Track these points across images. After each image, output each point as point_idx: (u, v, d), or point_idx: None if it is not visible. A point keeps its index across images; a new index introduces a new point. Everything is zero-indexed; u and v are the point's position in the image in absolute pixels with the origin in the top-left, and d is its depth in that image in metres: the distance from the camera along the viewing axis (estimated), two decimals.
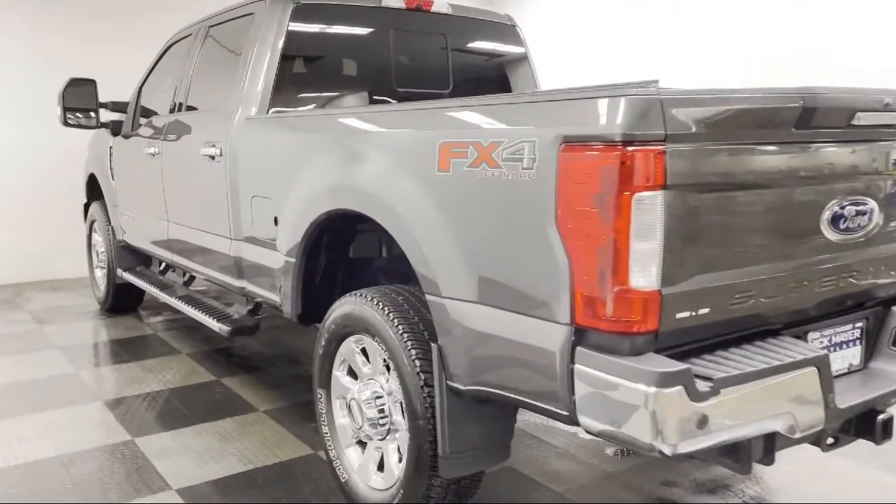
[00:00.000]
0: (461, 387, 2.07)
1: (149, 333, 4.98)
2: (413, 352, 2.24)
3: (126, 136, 4.76)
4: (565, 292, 1.73)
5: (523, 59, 4.05)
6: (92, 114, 4.69)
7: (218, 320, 3.54)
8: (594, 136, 1.65)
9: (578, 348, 1.73)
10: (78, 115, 4.66)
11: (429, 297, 2.14)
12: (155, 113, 4.55)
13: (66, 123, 4.59)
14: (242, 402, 3.70)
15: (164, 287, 4.43)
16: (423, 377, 2.22)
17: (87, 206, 5.86)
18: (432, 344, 2.14)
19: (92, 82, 4.65)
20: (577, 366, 1.73)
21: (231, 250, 3.35)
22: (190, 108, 3.96)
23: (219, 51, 3.84)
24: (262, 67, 3.27)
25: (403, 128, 2.31)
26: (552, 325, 1.77)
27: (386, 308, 2.35)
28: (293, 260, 2.83)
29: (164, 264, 4.84)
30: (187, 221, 3.81)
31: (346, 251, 2.92)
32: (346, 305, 2.54)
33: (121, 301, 5.43)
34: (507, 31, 4.01)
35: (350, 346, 2.58)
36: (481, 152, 1.92)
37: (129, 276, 4.93)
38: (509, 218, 1.87)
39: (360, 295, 2.48)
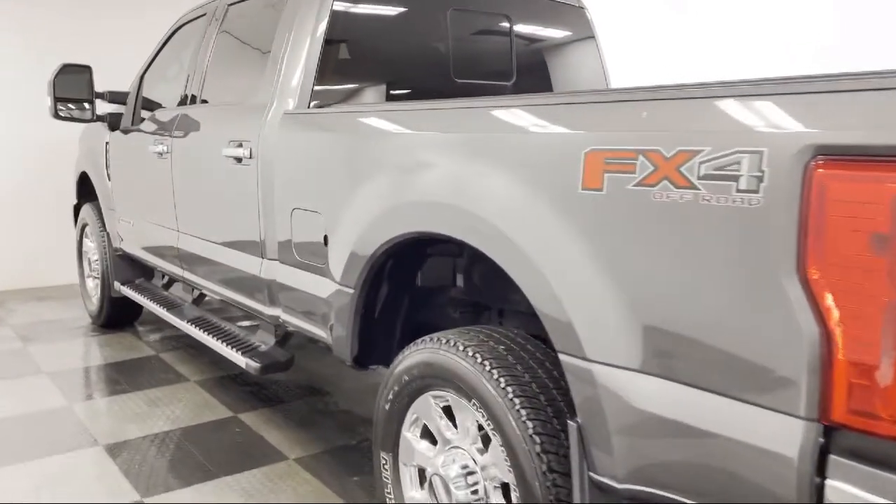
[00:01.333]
0: (615, 484, 1.53)
1: (149, 355, 4.40)
2: (530, 424, 1.70)
3: (126, 132, 4.17)
4: (811, 373, 1.19)
5: (592, 46, 3.50)
6: (87, 105, 4.10)
7: (243, 353, 2.97)
8: (879, 147, 1.11)
9: (832, 456, 1.19)
10: (71, 106, 4.07)
11: (565, 358, 1.60)
12: (160, 105, 3.96)
13: (56, 116, 3.99)
14: (268, 448, 3.14)
15: (170, 306, 3.85)
16: (546, 460, 1.68)
17: (77, 208, 5.26)
18: (570, 422, 1.60)
19: (87, 69, 4.05)
20: (829, 482, 1.19)
21: (262, 271, 2.78)
22: (206, 101, 3.38)
23: (243, 33, 3.27)
24: (302, 54, 2.71)
25: (528, 129, 1.73)
26: (785, 419, 1.23)
27: (486, 361, 1.80)
28: (351, 290, 2.27)
29: (167, 277, 4.25)
30: (204, 233, 3.24)
31: (411, 278, 2.36)
32: (423, 352, 1.99)
33: (116, 315, 4.84)
34: (574, 14, 3.46)
35: (428, 403, 2.04)
36: (661, 165, 1.37)
37: (128, 291, 4.34)
38: (710, 259, 1.32)
39: (445, 341, 1.93)
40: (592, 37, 3.49)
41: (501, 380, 1.77)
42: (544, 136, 1.65)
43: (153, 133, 3.72)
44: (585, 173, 1.51)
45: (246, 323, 3.89)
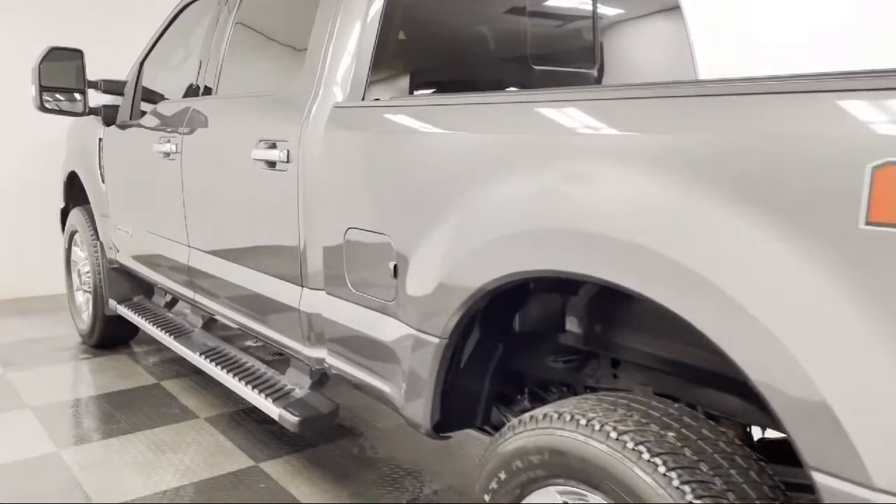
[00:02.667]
0: None
1: (149, 384, 3.83)
2: None
3: (123, 127, 3.60)
4: None
5: (680, 30, 2.97)
6: (77, 96, 3.52)
7: (275, 401, 2.42)
8: None
9: None
10: (59, 96, 3.50)
11: (824, 480, 1.06)
12: (164, 97, 3.41)
13: (42, 108, 3.41)
14: None
15: (178, 333, 3.29)
16: None
17: (65, 213, 4.68)
18: None
19: (78, 53, 3.48)
20: None
21: (302, 303, 2.24)
22: (224, 92, 2.82)
23: (271, 9, 2.71)
24: (353, 34, 2.17)
25: (767, 131, 1.15)
26: None
27: (655, 458, 1.27)
28: (435, 338, 1.73)
29: (170, 294, 3.69)
30: (224, 252, 2.68)
31: (508, 321, 1.83)
32: (548, 432, 1.46)
33: (110, 335, 4.27)
34: None
35: (552, 499, 1.51)
36: None
37: (125, 312, 3.77)
38: None
39: (584, 421, 1.39)
40: (682, 18, 2.96)
41: (685, 488, 1.24)
42: (799, 143, 1.10)
43: (157, 129, 3.16)
44: (874, 199, 0.98)
45: (264, 353, 3.35)
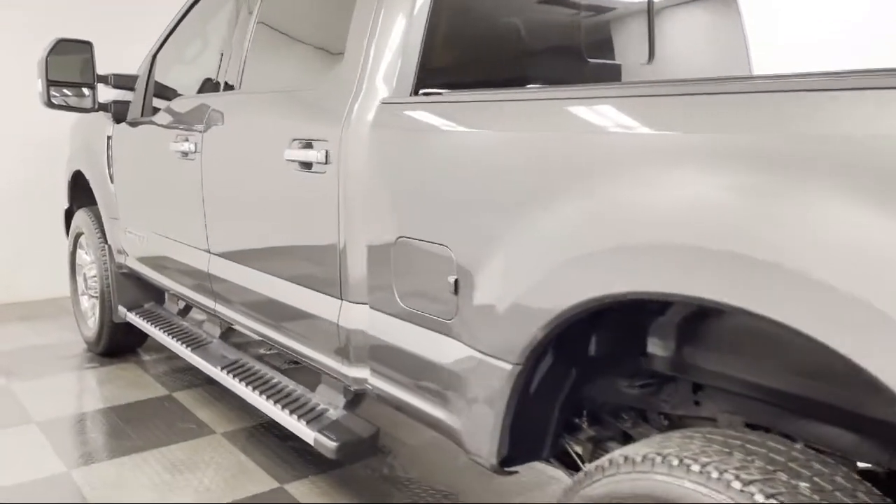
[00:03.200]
0: None
1: (161, 395, 3.63)
2: None
3: (134, 124, 3.40)
4: None
5: (735, 20, 2.78)
6: (86, 91, 3.32)
7: (309, 423, 2.22)
8: None
9: None
10: (66, 91, 3.29)
11: None
12: (177, 93, 3.21)
13: (49, 103, 3.21)
14: None
15: (195, 344, 3.09)
16: None
17: (69, 213, 4.47)
18: None
19: (87, 46, 3.27)
20: None
21: (342, 318, 2.04)
22: (250, 87, 2.62)
23: None
24: (400, 23, 1.97)
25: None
26: None
27: None
28: (507, 365, 1.54)
29: (183, 301, 3.49)
30: (250, 259, 2.48)
31: (583, 344, 1.63)
32: (645, 478, 1.26)
33: (118, 342, 4.06)
34: None
35: None
36: None
37: (136, 320, 3.56)
38: None
39: (698, 468, 1.19)
40: (734, 3, 2.77)
41: None
42: None
43: (173, 127, 2.96)
44: None
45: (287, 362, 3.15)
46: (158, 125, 3.12)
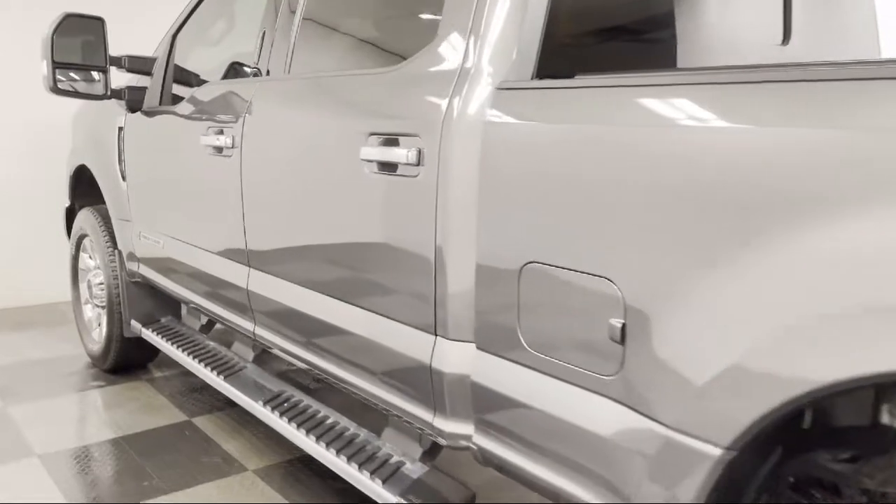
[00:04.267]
0: None
1: (179, 421, 3.20)
2: None
3: (151, 113, 2.97)
4: None
5: None
6: (97, 75, 2.88)
7: (385, 481, 1.80)
8: None
9: None
10: (74, 75, 2.85)
11: None
12: (199, 79, 2.79)
13: (55, 89, 2.77)
14: None
15: (227, 370, 2.66)
16: None
17: (70, 213, 4.03)
18: None
19: (98, 22, 2.83)
20: None
21: (437, 359, 1.62)
22: (305, 70, 2.20)
23: None
24: None
25: None
26: None
27: None
28: (714, 449, 1.12)
29: (206, 316, 3.05)
30: (306, 278, 2.06)
31: (796, 417, 1.22)
32: None
33: (128, 358, 3.63)
34: None
35: None
36: None
37: (154, 339, 3.13)
38: None
39: None
40: None
41: None
42: None
43: (203, 118, 2.53)
44: None
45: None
46: (183, 116, 2.69)
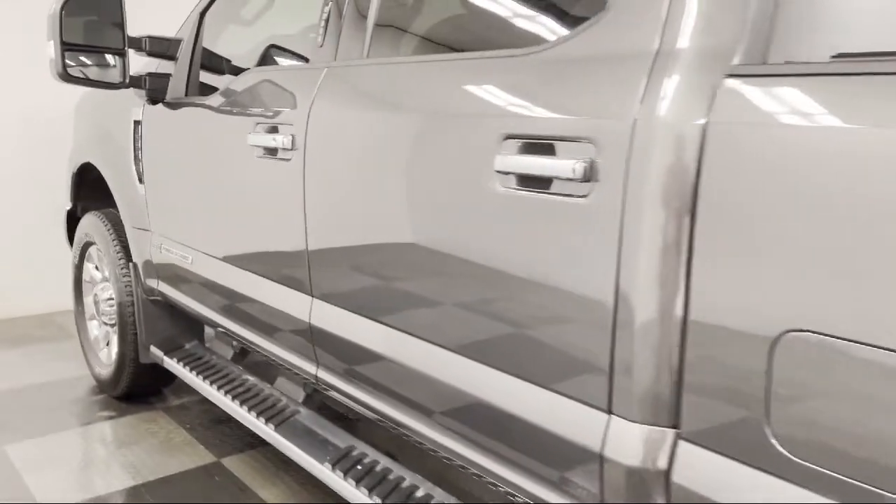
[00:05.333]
0: None
1: (206, 463, 2.76)
2: None
3: (176, 105, 2.51)
4: None
5: None
6: (113, 59, 2.42)
7: None
8: None
9: None
10: (86, 59, 2.39)
11: None
12: (231, 64, 2.35)
13: (64, 76, 2.31)
14: None
15: (276, 416, 2.21)
16: None
17: (72, 215, 3.57)
18: None
19: None
20: None
21: (610, 446, 1.20)
22: (383, 52, 1.75)
23: None
24: None
25: None
26: None
27: None
28: None
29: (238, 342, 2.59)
30: (397, 317, 1.61)
31: None
32: None
33: (142, 384, 3.18)
34: None
35: None
36: None
37: (182, 371, 2.68)
38: None
39: None
40: None
41: None
42: None
43: (248, 113, 2.07)
44: None
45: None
46: (220, 109, 2.23)
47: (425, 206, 1.49)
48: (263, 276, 2.07)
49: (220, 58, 2.64)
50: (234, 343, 2.70)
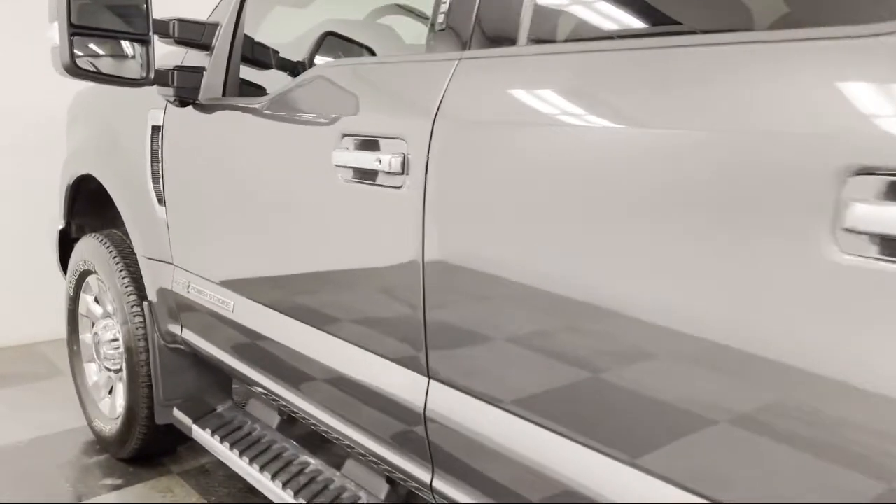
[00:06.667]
0: None
1: None
2: None
3: (210, 108, 1.97)
4: None
5: None
6: (132, 48, 1.87)
7: None
8: None
9: None
10: (98, 49, 1.84)
11: None
12: (281, 58, 1.83)
13: (73, 68, 1.75)
14: None
15: None
16: None
17: (65, 235, 3.00)
18: None
19: None
20: None
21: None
22: (551, 32, 1.23)
23: None
24: None
25: None
26: None
27: None
28: None
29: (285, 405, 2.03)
30: (570, 419, 1.09)
31: None
32: None
33: (154, 445, 2.62)
34: None
35: None
36: None
37: (221, 450, 2.10)
38: None
39: None
40: None
41: None
42: None
43: (327, 122, 1.54)
44: None
45: None
46: (283, 116, 1.69)
47: (688, 270, 0.95)
48: (349, 342, 1.54)
49: (267, 48, 2.11)
50: (276, 402, 2.15)
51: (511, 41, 1.25)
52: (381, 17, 2.39)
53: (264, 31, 2.16)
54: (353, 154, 1.45)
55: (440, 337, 1.32)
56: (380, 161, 1.37)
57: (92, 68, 1.80)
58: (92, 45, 1.83)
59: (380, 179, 1.40)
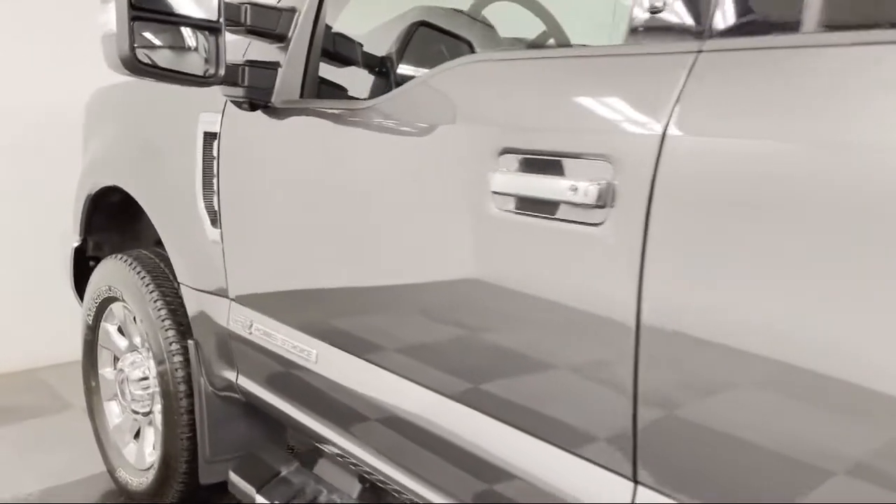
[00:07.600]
0: None
1: None
2: None
3: (290, 113, 1.61)
4: None
5: None
6: (195, 38, 1.51)
7: None
8: None
9: None
10: (156, 40, 1.48)
11: None
12: (367, 53, 1.49)
13: (132, 63, 1.37)
14: None
15: None
16: None
17: (80, 254, 2.63)
18: None
19: None
20: None
21: None
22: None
23: None
24: None
25: None
26: None
27: None
28: None
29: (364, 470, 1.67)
30: None
31: None
32: None
33: (191, 500, 2.25)
34: None
35: None
36: None
37: None
38: None
39: None
40: None
41: None
42: None
43: (473, 134, 1.19)
44: None
45: None
46: (406, 126, 1.34)
47: None
48: (508, 424, 1.18)
49: (351, 41, 1.75)
50: (352, 465, 1.79)
51: (792, 27, 0.91)
52: (488, 5, 2.04)
53: (342, 20, 1.81)
54: (520, 178, 1.10)
55: (656, 431, 0.98)
56: (573, 189, 1.02)
57: (152, 63, 1.44)
58: (146, 34, 1.47)
59: (562, 213, 1.05)
